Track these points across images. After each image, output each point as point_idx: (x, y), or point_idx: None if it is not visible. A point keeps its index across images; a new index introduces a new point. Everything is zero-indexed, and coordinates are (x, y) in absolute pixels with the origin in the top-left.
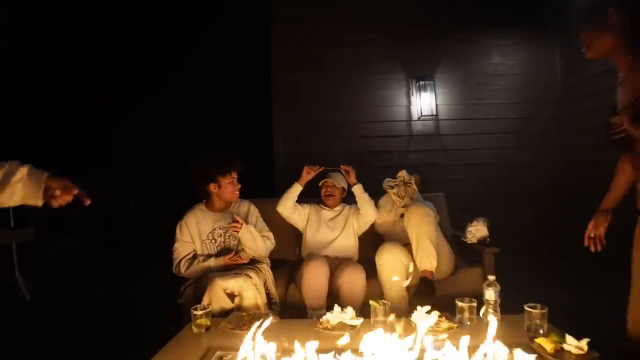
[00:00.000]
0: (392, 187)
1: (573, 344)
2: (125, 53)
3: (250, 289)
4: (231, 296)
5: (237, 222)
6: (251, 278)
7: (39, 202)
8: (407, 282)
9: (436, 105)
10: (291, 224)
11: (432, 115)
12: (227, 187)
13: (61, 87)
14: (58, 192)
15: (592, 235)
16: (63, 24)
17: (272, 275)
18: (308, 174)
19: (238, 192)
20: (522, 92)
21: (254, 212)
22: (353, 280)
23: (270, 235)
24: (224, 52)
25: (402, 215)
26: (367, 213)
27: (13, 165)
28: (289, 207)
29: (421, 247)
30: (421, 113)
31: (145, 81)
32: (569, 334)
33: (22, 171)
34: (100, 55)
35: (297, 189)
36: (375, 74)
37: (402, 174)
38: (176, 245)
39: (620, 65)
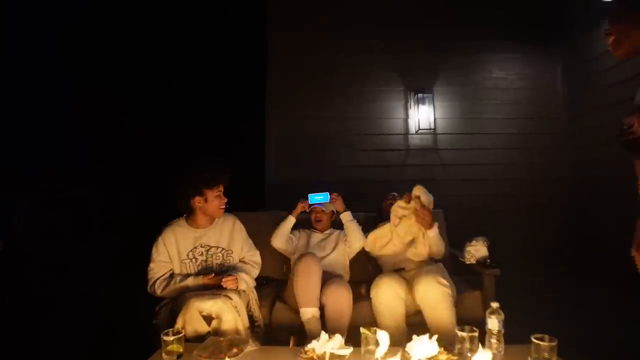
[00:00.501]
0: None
1: None
2: (123, 55)
3: (229, 312)
4: (208, 319)
5: (230, 280)
6: (231, 299)
7: None
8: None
9: (434, 119)
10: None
11: (430, 129)
12: (214, 201)
13: (63, 88)
14: None
15: None
16: (65, 24)
17: (256, 296)
18: (303, 208)
19: (224, 208)
20: (522, 107)
21: (239, 229)
22: (337, 298)
23: (257, 254)
24: (221, 58)
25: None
26: (353, 241)
27: None
28: (283, 240)
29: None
30: (419, 126)
31: (144, 84)
32: None
33: None
34: (101, 56)
35: (290, 222)
36: (372, 85)
37: (419, 192)
38: (151, 265)
39: None
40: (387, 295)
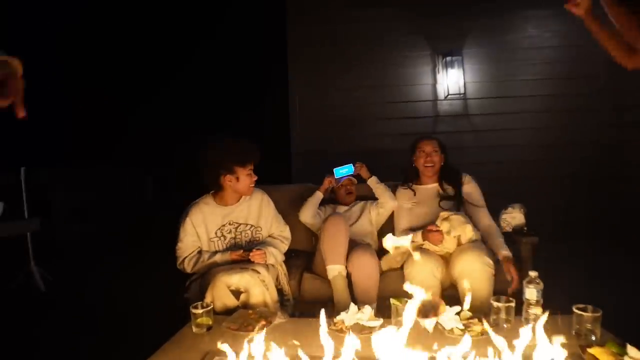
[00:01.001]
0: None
1: (637, 357)
2: (130, 41)
3: (257, 286)
4: (237, 293)
5: (257, 254)
6: (259, 273)
7: None
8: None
9: (464, 83)
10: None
11: (459, 94)
12: (245, 180)
13: (76, 75)
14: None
15: None
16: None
17: (285, 270)
18: (330, 183)
19: (253, 186)
20: (558, 66)
21: (267, 204)
22: (363, 265)
23: (286, 229)
24: (240, 31)
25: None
26: (386, 201)
27: None
28: (311, 215)
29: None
30: (448, 92)
31: (161, 64)
32: (629, 342)
33: None
34: (111, 42)
35: (318, 196)
36: (398, 50)
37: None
38: (179, 245)
39: None
40: (422, 275)
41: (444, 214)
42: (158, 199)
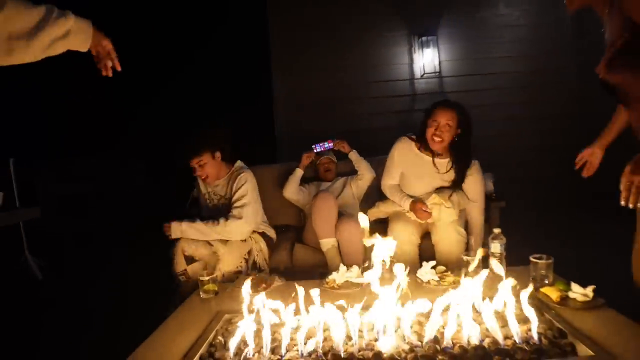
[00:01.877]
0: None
1: (579, 292)
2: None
3: (211, 257)
4: (188, 259)
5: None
6: (212, 246)
7: (86, 47)
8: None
9: (439, 62)
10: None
11: (435, 73)
12: (196, 173)
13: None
14: (109, 45)
15: (584, 160)
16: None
17: (263, 246)
18: (307, 159)
19: (207, 176)
20: (530, 44)
21: (239, 182)
22: (349, 231)
23: (243, 210)
24: (221, 15)
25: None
26: (365, 172)
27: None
28: (294, 191)
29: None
30: (424, 71)
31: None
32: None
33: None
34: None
35: (298, 173)
36: (375, 31)
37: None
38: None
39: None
40: (402, 240)
41: (435, 199)
42: (151, 190)
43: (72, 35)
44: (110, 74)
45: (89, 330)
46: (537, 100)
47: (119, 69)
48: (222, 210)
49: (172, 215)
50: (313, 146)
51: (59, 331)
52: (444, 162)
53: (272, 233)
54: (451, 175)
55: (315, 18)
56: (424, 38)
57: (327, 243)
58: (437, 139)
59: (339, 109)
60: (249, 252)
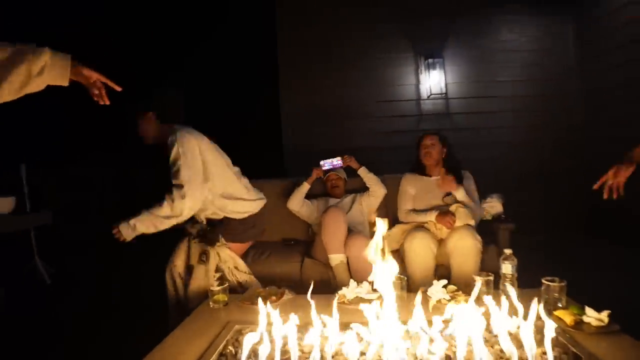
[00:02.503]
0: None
1: (593, 316)
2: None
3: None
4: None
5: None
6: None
7: (65, 82)
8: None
9: (446, 84)
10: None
11: (441, 94)
12: None
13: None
14: (92, 75)
15: (610, 182)
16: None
17: (235, 263)
18: (317, 175)
19: (143, 138)
20: (535, 68)
21: (169, 148)
22: (358, 248)
23: (179, 177)
24: (230, 31)
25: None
26: (377, 189)
27: (24, 47)
28: (297, 203)
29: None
30: (430, 92)
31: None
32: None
33: (44, 51)
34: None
35: (305, 187)
36: (382, 52)
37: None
38: None
39: None
40: (420, 248)
41: (453, 206)
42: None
43: (47, 71)
44: (106, 101)
45: (97, 335)
46: (542, 123)
47: (107, 102)
48: None
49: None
50: (321, 163)
51: (66, 337)
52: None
53: (241, 210)
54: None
55: (323, 37)
56: (430, 60)
57: (336, 258)
58: (427, 156)
59: (346, 126)
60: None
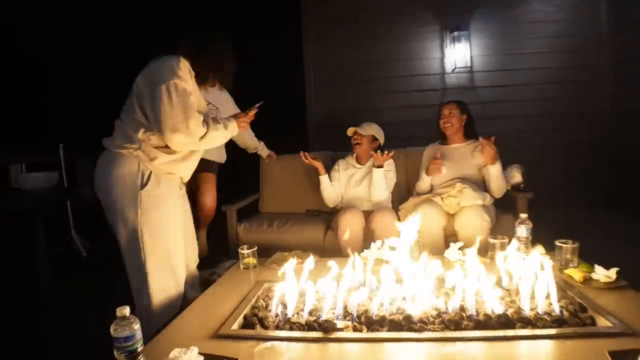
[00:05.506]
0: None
1: (602, 274)
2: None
3: None
4: None
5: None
6: None
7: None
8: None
9: (471, 57)
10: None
11: (466, 67)
12: None
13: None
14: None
15: None
16: None
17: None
18: (306, 159)
19: None
20: (564, 39)
21: None
22: (385, 222)
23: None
24: (254, 6)
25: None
26: (376, 194)
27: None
28: (333, 199)
29: None
30: (455, 65)
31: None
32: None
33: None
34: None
35: (325, 180)
36: (407, 26)
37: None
38: None
39: None
40: (429, 221)
41: (458, 186)
42: None
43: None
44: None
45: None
46: (569, 97)
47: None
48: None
49: None
50: None
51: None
52: (464, 145)
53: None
54: (474, 154)
55: (347, 12)
56: (455, 33)
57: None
58: (447, 125)
59: (370, 102)
60: None
